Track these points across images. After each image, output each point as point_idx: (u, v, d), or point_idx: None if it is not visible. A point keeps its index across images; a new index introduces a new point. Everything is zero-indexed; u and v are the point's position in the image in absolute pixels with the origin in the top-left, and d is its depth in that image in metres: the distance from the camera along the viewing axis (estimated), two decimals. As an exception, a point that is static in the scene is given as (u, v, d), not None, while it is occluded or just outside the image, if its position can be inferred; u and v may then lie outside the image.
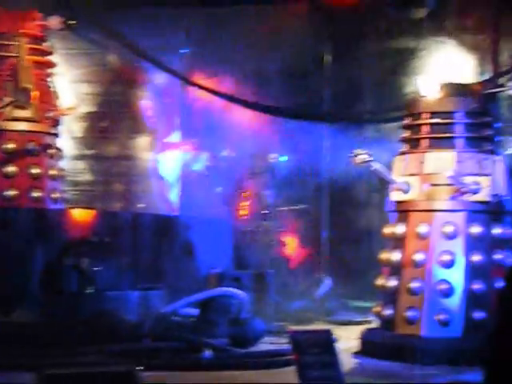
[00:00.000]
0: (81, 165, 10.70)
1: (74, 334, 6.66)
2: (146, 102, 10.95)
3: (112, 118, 10.85)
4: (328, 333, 4.88)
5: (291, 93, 10.24)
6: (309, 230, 10.52)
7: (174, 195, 10.92)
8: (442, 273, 6.74)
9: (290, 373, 5.04)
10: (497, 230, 6.89)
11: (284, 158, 10.75)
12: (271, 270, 8.61)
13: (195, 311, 7.38)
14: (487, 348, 3.15)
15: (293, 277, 9.72)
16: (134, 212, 9.68)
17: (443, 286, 6.70)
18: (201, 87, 10.53)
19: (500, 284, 6.72)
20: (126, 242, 7.87)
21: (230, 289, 7.44)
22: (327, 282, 9.69)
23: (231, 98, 10.37)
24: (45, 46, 8.87)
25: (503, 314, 3.17)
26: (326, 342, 4.81)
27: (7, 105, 8.36)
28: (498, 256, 6.83)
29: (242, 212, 10.67)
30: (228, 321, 7.17)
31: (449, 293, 6.68)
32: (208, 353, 6.48)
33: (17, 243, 7.34)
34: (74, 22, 8.77)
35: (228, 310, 7.27)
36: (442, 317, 6.66)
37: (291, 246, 10.44)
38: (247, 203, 10.66)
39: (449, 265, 6.74)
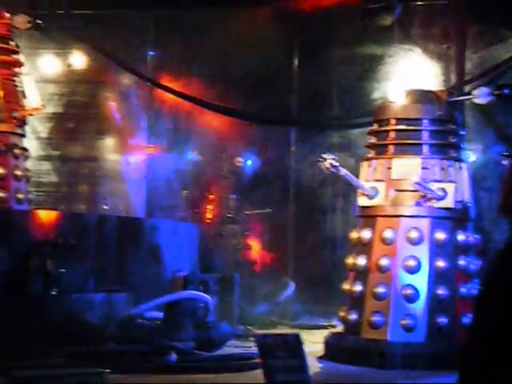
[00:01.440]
0: (46, 166, 10.61)
1: (37, 335, 6.59)
2: (112, 104, 10.90)
3: (78, 119, 10.79)
4: (296, 337, 4.90)
5: (258, 97, 10.26)
6: (274, 234, 10.54)
7: (139, 198, 10.88)
8: (406, 278, 6.80)
9: (256, 376, 5.05)
10: (461, 237, 6.98)
11: (249, 162, 10.76)
12: (236, 274, 8.61)
13: (160, 314, 7.35)
14: (464, 352, 3.19)
15: (257, 280, 9.73)
16: (99, 214, 9.61)
17: (408, 291, 6.76)
18: (167, 89, 10.51)
19: (464, 289, 6.83)
20: (91, 244, 7.82)
21: (196, 292, 7.43)
22: (291, 286, 9.72)
23: (198, 101, 10.36)
24: (11, 44, 8.78)
25: (480, 318, 3.22)
26: (293, 346, 4.83)
27: (-29, 104, 8.26)
28: (461, 262, 6.92)
29: (207, 215, 10.65)
30: (193, 324, 7.16)
31: (413, 298, 6.75)
32: (173, 356, 6.46)
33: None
34: (41, 21, 8.67)
35: (193, 313, 7.26)
36: (406, 322, 6.72)
37: (256, 249, 10.46)
38: (212, 206, 10.65)
39: (414, 270, 6.81)
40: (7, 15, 8.65)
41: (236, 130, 10.57)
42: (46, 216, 7.68)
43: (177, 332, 7.01)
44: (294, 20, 10.23)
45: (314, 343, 7.23)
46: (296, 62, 10.59)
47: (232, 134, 10.56)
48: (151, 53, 10.97)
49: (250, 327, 8.28)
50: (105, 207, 10.48)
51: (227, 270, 8.98)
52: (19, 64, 8.85)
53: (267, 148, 10.56)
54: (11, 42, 8.79)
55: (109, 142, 10.96)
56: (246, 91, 10.33)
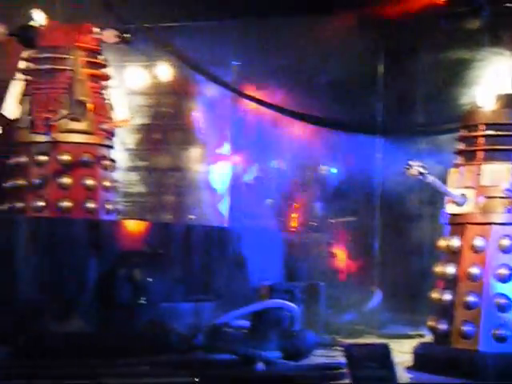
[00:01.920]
0: (133, 176, 10.78)
1: (126, 344, 6.69)
2: (197, 114, 11.02)
3: (164, 130, 10.95)
4: (384, 346, 4.83)
5: (343, 105, 10.20)
6: (359, 242, 10.45)
7: (224, 207, 10.95)
8: (498, 287, 6.63)
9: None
10: (554, 244, 6.75)
11: (334, 170, 10.70)
12: (322, 283, 8.56)
13: (247, 323, 7.37)
14: None
15: (343, 289, 9.66)
16: (186, 223, 9.71)
17: (500, 301, 6.59)
18: (251, 99, 10.55)
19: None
20: (178, 253, 7.90)
21: (282, 301, 7.41)
22: (378, 295, 9.60)
23: (281, 110, 10.37)
24: (100, 58, 8.95)
25: None
26: (382, 356, 4.77)
27: (63, 117, 8.45)
28: (555, 270, 6.69)
29: (292, 224, 10.64)
30: (279, 333, 7.14)
31: (506, 307, 6.57)
32: (260, 365, 6.46)
33: (71, 254, 7.40)
34: (129, 35, 8.82)
35: (279, 323, 7.24)
36: (499, 332, 6.55)
37: (341, 258, 10.38)
38: (297, 215, 10.63)
39: (506, 279, 6.63)
40: (97, 30, 8.82)
41: (320, 138, 10.53)
42: (133, 226, 7.81)
43: (263, 341, 7.01)
44: (380, 26, 10.14)
45: (402, 353, 7.10)
46: (382, 68, 10.49)
47: (316, 142, 10.53)
48: (235, 62, 11.05)
49: (336, 336, 8.21)
50: (191, 217, 10.59)
51: (312, 279, 8.94)
52: (108, 77, 9.02)
53: (352, 155, 10.47)
54: (100, 56, 8.97)
55: (194, 152, 11.09)
56: (330, 99, 10.28)
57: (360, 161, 10.51)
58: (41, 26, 8.52)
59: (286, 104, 10.31)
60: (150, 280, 7.37)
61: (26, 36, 8.12)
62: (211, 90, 10.95)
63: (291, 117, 10.41)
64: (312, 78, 10.35)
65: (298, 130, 10.57)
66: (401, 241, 10.29)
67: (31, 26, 8.38)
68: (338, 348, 7.35)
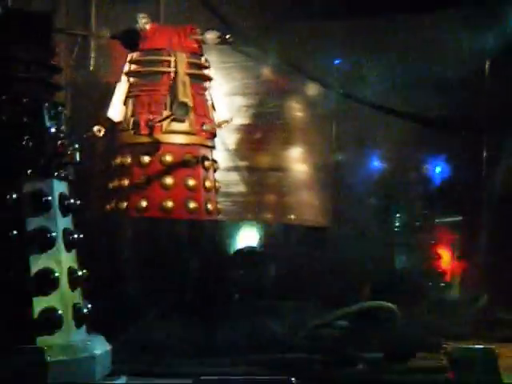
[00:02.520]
0: (234, 176, 10.86)
1: (227, 343, 6.73)
2: (298, 114, 11.00)
3: (265, 130, 10.98)
4: (490, 350, 4.69)
5: (448, 103, 9.99)
6: (465, 243, 10.20)
7: (325, 207, 10.89)
8: None
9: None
10: None
11: (438, 169, 10.49)
12: (425, 284, 8.40)
13: (348, 323, 7.29)
14: None
15: (448, 291, 9.45)
16: (286, 224, 9.71)
17: None
18: (354, 98, 10.46)
19: None
20: (280, 253, 7.91)
21: (383, 302, 7.30)
22: (484, 297, 9.34)
23: (385, 109, 10.25)
24: (201, 60, 9.06)
25: None
26: (487, 360, 4.62)
27: (166, 118, 8.60)
28: None
29: (394, 224, 10.48)
30: (381, 334, 7.04)
31: None
32: (361, 367, 6.37)
33: (174, 254, 7.51)
34: (230, 36, 8.89)
35: (381, 324, 7.14)
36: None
37: (446, 259, 10.16)
38: (400, 215, 10.48)
39: None
40: (198, 32, 8.93)
41: (424, 137, 10.34)
42: (235, 226, 7.86)
43: (364, 342, 6.92)
44: (486, 23, 9.88)
45: (508, 357, 6.88)
46: (487, 65, 10.22)
47: (420, 140, 10.35)
48: (337, 61, 10.98)
49: (440, 339, 8.03)
50: (292, 217, 10.58)
51: (415, 280, 8.78)
52: (209, 78, 9.13)
53: (457, 154, 10.24)
54: (202, 58, 9.08)
55: (295, 152, 11.07)
56: (433, 97, 10.09)
57: (465, 159, 10.27)
58: (144, 28, 8.69)
59: (390, 103, 10.18)
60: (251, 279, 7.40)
61: (130, 39, 8.29)
62: (313, 89, 10.91)
63: (395, 115, 10.27)
64: (414, 76, 10.16)
65: (400, 129, 10.41)
66: (509, 242, 9.98)
67: (135, 29, 8.56)
68: (441, 351, 7.18)
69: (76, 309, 5.23)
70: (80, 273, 5.32)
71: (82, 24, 9.85)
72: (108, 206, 8.83)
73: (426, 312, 8.19)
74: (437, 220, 10.12)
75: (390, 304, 7.25)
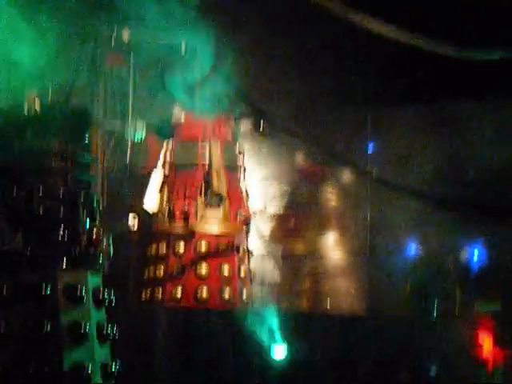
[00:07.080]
0: (268, 263, 10.78)
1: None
2: (332, 200, 10.96)
3: (299, 217, 10.92)
4: None
5: (491, 191, 9.81)
6: (507, 330, 9.91)
7: (361, 294, 10.74)
8: None
9: None
10: None
11: (476, 254, 10.32)
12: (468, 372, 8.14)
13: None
14: None
15: (490, 379, 9.17)
16: (322, 311, 9.56)
17: None
18: (388, 184, 10.39)
19: None
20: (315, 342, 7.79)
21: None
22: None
23: (422, 196, 10.11)
24: (236, 147, 9.14)
25: None
26: None
27: (201, 207, 8.63)
28: None
29: (432, 312, 10.27)
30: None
31: None
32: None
33: (210, 345, 7.43)
34: (264, 126, 8.97)
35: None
36: None
37: (488, 347, 9.88)
38: (439, 300, 10.27)
39: None
40: (232, 120, 9.04)
41: (462, 222, 10.18)
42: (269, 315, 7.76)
43: None
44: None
45: None
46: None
47: (459, 227, 10.16)
48: (370, 146, 10.98)
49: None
50: (327, 304, 10.43)
51: (455, 368, 8.54)
52: (243, 167, 9.18)
53: (495, 242, 10.04)
54: (236, 145, 9.16)
55: (330, 239, 10.98)
56: (480, 185, 9.92)
57: (503, 245, 10.08)
58: (179, 120, 8.81)
59: (427, 191, 10.05)
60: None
61: (165, 131, 8.42)
62: (347, 174, 10.89)
63: (433, 206, 10.10)
64: (459, 173, 10.09)
65: (438, 215, 10.28)
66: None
67: (169, 122, 8.69)
68: None
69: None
70: (113, 368, 5.26)
71: (118, 117, 9.99)
72: (143, 295, 8.79)
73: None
74: (476, 307, 9.88)
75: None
